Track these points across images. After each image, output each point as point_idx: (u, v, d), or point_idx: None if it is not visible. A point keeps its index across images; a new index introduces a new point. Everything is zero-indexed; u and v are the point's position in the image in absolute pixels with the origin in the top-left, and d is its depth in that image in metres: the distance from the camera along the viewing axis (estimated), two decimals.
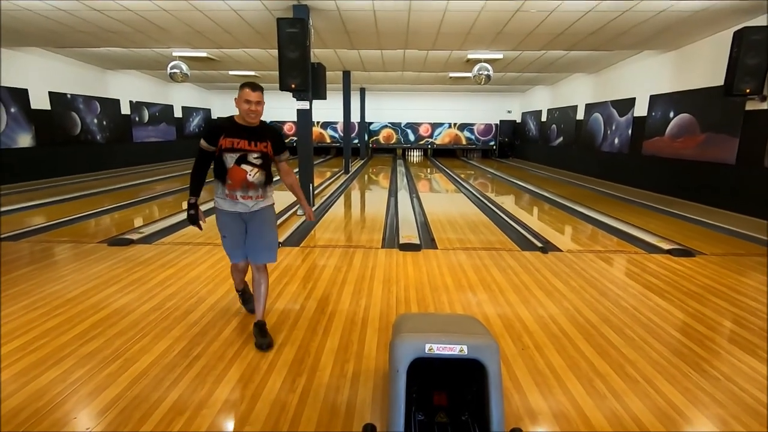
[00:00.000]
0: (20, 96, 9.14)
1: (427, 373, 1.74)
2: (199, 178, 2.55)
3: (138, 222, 5.90)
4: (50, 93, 9.97)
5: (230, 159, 2.45)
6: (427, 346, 1.49)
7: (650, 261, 4.33)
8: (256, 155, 2.48)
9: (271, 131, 2.57)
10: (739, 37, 5.90)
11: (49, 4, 6.06)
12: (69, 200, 7.30)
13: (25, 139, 9.29)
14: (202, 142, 2.48)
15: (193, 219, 2.56)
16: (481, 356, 1.50)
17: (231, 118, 2.51)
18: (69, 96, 10.57)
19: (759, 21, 6.06)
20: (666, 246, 4.72)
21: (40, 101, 9.67)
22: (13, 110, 8.96)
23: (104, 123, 11.86)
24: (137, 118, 13.35)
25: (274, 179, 2.67)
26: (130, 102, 13.01)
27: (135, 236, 4.86)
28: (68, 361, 2.36)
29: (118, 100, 12.47)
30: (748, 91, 5.93)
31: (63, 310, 3.02)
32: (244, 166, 2.47)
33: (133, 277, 3.68)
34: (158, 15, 6.65)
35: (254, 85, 2.43)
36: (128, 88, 12.90)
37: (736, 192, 6.64)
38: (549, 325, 2.88)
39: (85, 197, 7.64)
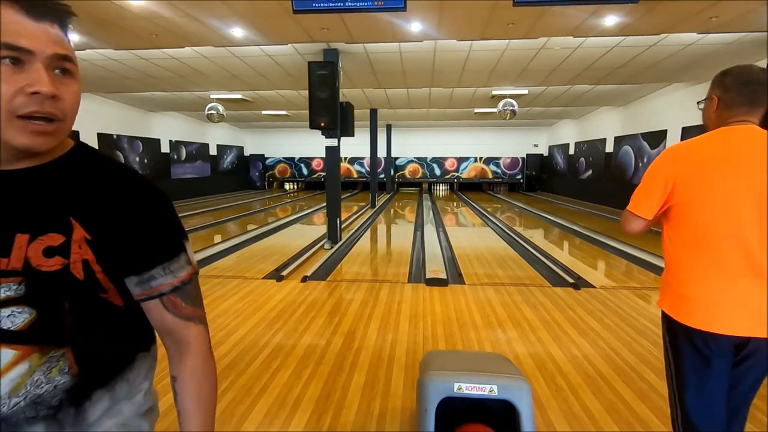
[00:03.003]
0: (72, 138, 9.86)
1: (455, 414, 1.68)
2: None
3: None
4: (98, 134, 10.73)
5: None
6: (456, 386, 1.46)
7: None
8: (5, 291, 0.61)
9: (105, 185, 0.70)
10: None
11: (102, 54, 6.63)
12: None
13: None
14: None
15: None
16: (512, 397, 1.45)
17: None
18: (115, 137, 11.32)
19: None
20: None
21: (89, 142, 10.31)
22: None
23: (145, 161, 12.56)
24: (176, 156, 14.08)
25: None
26: (170, 141, 13.78)
27: None
28: None
29: (159, 140, 13.24)
30: None
31: None
32: None
33: None
34: (199, 61, 7.14)
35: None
36: (168, 128, 13.71)
37: None
38: (584, 365, 2.76)
39: None
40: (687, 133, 8.59)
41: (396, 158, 18.40)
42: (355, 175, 18.80)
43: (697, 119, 8.33)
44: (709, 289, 1.28)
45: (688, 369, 1.34)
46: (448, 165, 18.55)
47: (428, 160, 18.63)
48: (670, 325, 1.38)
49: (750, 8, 4.60)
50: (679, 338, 1.34)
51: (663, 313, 1.41)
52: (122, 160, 11.62)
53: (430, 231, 8.00)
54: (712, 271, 1.28)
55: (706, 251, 1.28)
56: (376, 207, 12.20)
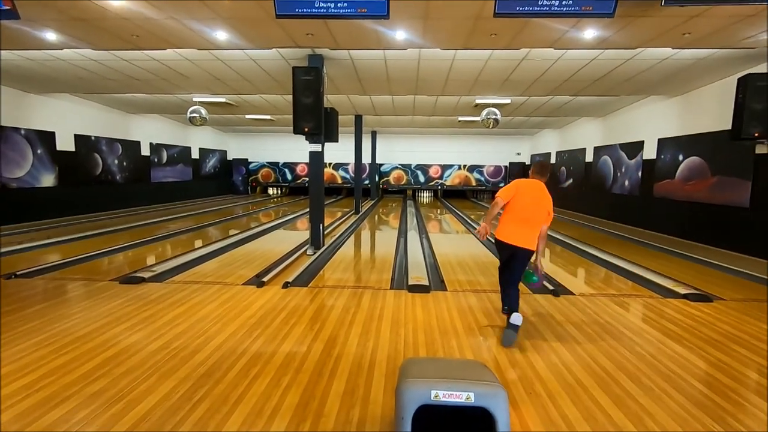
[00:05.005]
0: (47, 138, 9.58)
1: (434, 421, 1.68)
2: None
3: (150, 260, 5.98)
4: (76, 135, 10.45)
5: None
6: (433, 393, 1.46)
7: (666, 306, 4.21)
8: None
9: None
10: (743, 83, 6.00)
11: (81, 54, 6.48)
12: (85, 238, 7.46)
13: (48, 179, 9.64)
14: None
15: None
16: (488, 404, 1.46)
17: None
18: (93, 138, 11.05)
19: (761, 68, 6.19)
20: (682, 290, 4.60)
21: (65, 143, 10.12)
22: (39, 151, 9.37)
23: (125, 164, 12.29)
24: (156, 159, 13.81)
25: None
26: (150, 144, 13.52)
27: (147, 274, 4.92)
28: (73, 400, 2.34)
29: (139, 142, 12.98)
30: (757, 135, 5.96)
31: (72, 348, 3.02)
32: None
33: (143, 315, 3.69)
34: (181, 64, 7.05)
35: None
36: (149, 131, 13.46)
37: (752, 235, 6.52)
38: (562, 372, 2.79)
39: (101, 235, 7.80)
40: (662, 144, 8.85)
41: (381, 164, 18.44)
42: (340, 181, 18.76)
43: (672, 131, 8.61)
44: (508, 228, 3.30)
45: (501, 257, 3.45)
46: (432, 172, 18.68)
47: (413, 166, 18.73)
48: (497, 242, 3.39)
49: (720, 26, 4.79)
50: (499, 246, 3.39)
51: (494, 238, 3.41)
52: (100, 162, 11.36)
53: (413, 237, 8.02)
54: (512, 223, 3.29)
55: (514, 217, 3.29)
56: (360, 213, 12.18)
